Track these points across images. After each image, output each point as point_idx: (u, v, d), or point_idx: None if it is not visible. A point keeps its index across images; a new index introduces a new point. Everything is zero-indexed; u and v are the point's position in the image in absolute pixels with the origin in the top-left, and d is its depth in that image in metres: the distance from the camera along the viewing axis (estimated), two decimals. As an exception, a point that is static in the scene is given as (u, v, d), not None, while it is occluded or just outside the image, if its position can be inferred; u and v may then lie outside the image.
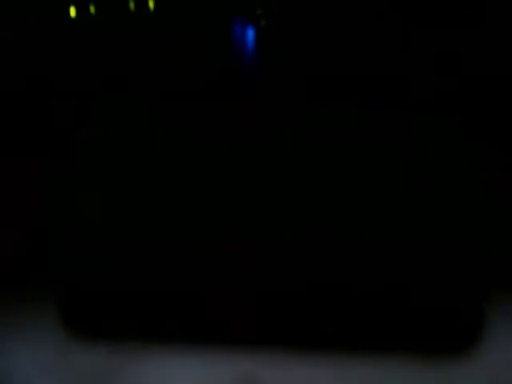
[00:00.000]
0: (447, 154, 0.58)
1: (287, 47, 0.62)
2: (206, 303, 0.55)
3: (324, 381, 0.50)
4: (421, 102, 0.60)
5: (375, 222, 0.54)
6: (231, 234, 0.54)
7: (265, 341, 0.53)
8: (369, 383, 0.50)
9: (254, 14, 0.62)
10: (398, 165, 0.57)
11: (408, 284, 0.54)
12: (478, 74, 0.60)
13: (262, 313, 0.55)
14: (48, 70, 0.59)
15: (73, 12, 0.59)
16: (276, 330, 0.54)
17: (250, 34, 0.63)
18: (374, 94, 0.60)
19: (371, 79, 0.61)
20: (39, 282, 0.56)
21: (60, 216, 0.53)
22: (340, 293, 0.55)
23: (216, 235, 0.54)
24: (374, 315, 0.55)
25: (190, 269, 0.54)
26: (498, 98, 0.59)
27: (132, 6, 0.60)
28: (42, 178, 0.57)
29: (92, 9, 0.59)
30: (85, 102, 0.59)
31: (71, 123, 0.58)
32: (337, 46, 0.61)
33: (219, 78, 0.61)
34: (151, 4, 0.61)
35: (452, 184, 0.56)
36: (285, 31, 0.62)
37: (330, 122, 0.60)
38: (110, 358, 0.51)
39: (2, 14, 0.59)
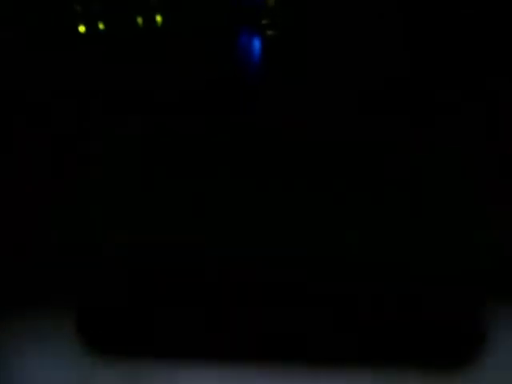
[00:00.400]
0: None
1: (292, 57, 0.62)
2: (216, 319, 0.55)
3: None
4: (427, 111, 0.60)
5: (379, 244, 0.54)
6: (234, 248, 0.54)
7: (273, 356, 0.53)
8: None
9: (259, 25, 0.62)
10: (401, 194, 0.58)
11: (408, 298, 0.54)
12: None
13: (269, 327, 0.54)
14: (48, 70, 0.58)
15: (82, 29, 0.59)
16: (284, 344, 0.53)
17: (256, 44, 0.62)
18: (379, 106, 0.60)
19: (375, 91, 0.61)
20: (56, 298, 0.55)
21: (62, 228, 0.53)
22: (343, 309, 0.55)
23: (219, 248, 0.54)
24: (376, 328, 0.55)
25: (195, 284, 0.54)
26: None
27: (140, 21, 0.60)
28: (43, 183, 0.57)
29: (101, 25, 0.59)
30: (85, 103, 0.58)
31: (72, 127, 0.57)
32: (342, 57, 0.61)
33: (224, 87, 0.61)
34: (159, 19, 0.60)
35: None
36: (290, 41, 0.62)
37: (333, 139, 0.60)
38: (124, 374, 0.51)
39: (2, 13, 0.58)
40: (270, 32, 0.62)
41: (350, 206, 0.56)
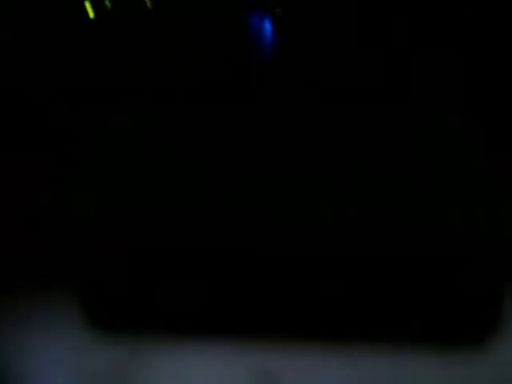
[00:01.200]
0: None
1: (300, 35, 0.60)
2: (217, 292, 0.54)
3: (337, 371, 0.49)
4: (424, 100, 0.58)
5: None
6: (236, 229, 0.53)
7: (279, 334, 0.52)
8: (381, 373, 0.48)
9: (267, 4, 0.59)
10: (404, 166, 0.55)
11: (427, 273, 0.53)
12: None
13: (275, 304, 0.53)
14: (48, 70, 0.58)
15: (90, 10, 0.57)
16: (289, 323, 0.52)
17: (265, 23, 0.59)
18: (385, 91, 0.59)
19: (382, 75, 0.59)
20: (60, 277, 0.56)
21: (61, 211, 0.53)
22: (354, 284, 0.54)
23: (224, 230, 0.53)
24: (389, 304, 0.53)
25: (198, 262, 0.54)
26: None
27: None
28: (42, 178, 0.57)
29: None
30: (84, 102, 0.58)
31: (71, 123, 0.57)
32: (345, 40, 0.59)
33: (234, 71, 0.59)
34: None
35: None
36: (298, 20, 0.60)
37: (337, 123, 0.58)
38: (124, 353, 0.51)
39: (2, 13, 0.58)
40: (278, 11, 0.60)
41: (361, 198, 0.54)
